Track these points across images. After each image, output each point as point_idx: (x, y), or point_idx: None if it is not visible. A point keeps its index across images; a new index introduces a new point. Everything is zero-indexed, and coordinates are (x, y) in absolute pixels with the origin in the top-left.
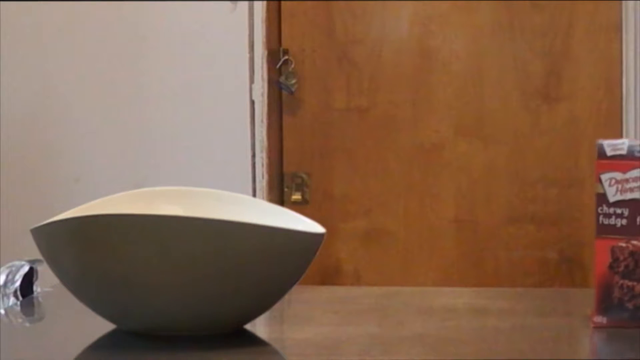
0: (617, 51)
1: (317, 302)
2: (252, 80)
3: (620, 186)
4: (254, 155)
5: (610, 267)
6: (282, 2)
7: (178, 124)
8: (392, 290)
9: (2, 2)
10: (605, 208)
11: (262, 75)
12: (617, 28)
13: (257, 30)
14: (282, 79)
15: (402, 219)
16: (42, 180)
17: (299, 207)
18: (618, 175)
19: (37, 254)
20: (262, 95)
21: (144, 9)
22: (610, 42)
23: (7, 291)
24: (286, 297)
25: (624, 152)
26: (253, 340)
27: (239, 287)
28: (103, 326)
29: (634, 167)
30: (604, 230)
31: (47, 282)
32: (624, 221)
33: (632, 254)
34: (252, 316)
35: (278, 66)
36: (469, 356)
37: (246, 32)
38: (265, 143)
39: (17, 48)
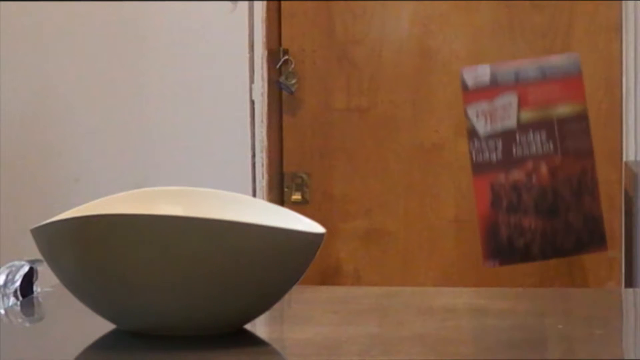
0: (617, 51)
1: (317, 302)
2: (252, 80)
3: (489, 117)
4: (254, 155)
5: (493, 205)
6: (282, 2)
7: (178, 124)
8: (392, 290)
9: (2, 2)
10: (477, 143)
11: (262, 75)
12: (617, 28)
13: (257, 30)
14: (282, 79)
15: (402, 219)
16: (42, 180)
17: (299, 207)
18: (485, 106)
19: (37, 254)
20: (262, 95)
21: (144, 9)
22: (610, 42)
23: (7, 291)
24: (286, 297)
25: (487, 79)
26: (253, 340)
27: (239, 287)
28: (103, 326)
29: (500, 94)
30: (479, 168)
31: (47, 282)
32: (499, 154)
33: (513, 187)
34: (252, 316)
35: (278, 66)
36: (469, 356)
37: (246, 32)
38: (265, 143)
39: (17, 48)
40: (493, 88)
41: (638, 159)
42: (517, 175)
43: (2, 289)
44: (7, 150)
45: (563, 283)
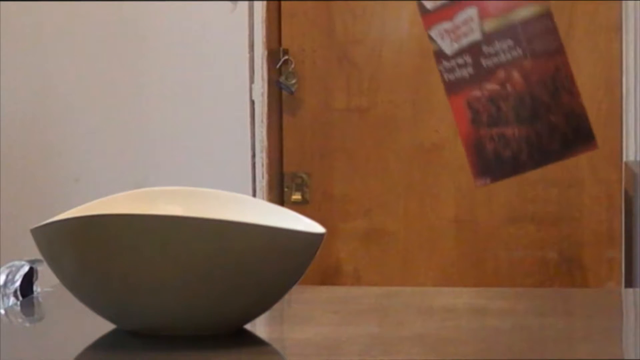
0: (617, 51)
1: (317, 302)
2: (252, 80)
3: (452, 35)
4: (254, 155)
5: (473, 122)
6: (282, 2)
7: (178, 124)
8: (392, 290)
9: (2, 2)
10: (446, 63)
11: (262, 75)
12: (617, 28)
13: (257, 30)
14: (282, 79)
15: (402, 219)
16: (42, 180)
17: (299, 207)
18: (447, 25)
19: (37, 254)
20: (262, 95)
21: (144, 9)
22: (610, 42)
23: (7, 291)
24: (286, 297)
25: (433, 3)
26: (253, 340)
27: (239, 287)
28: (103, 326)
29: (460, 10)
30: (453, 87)
31: (47, 282)
32: (470, 69)
33: (490, 100)
34: (252, 316)
35: (278, 66)
36: (469, 356)
37: (246, 32)
38: (265, 143)
39: (17, 48)
40: (451, 6)
41: (638, 159)
42: (491, 86)
43: (2, 289)
44: (7, 150)
45: (563, 283)
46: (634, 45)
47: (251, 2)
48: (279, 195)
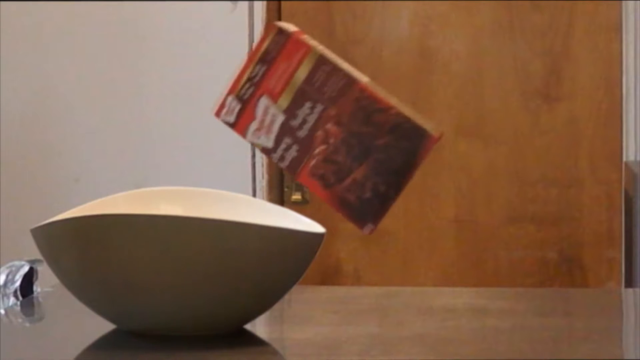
0: (617, 51)
1: (317, 302)
2: None
3: (263, 129)
4: (253, 155)
5: (326, 186)
6: (282, 2)
7: (178, 124)
8: (392, 290)
9: (2, 2)
10: (274, 155)
11: None
12: (617, 28)
13: (257, 30)
14: None
15: (402, 219)
16: (42, 180)
17: (299, 207)
18: (254, 125)
19: (37, 254)
20: None
21: (144, 9)
22: (610, 42)
23: (7, 291)
24: (286, 297)
25: (235, 105)
26: (253, 340)
27: (239, 287)
28: (103, 326)
29: (255, 106)
30: (293, 170)
31: (47, 282)
32: (295, 147)
33: (325, 161)
34: (252, 316)
35: None
36: (469, 356)
37: (246, 32)
38: None
39: (17, 48)
40: (246, 108)
41: (638, 159)
42: (319, 149)
43: (2, 289)
44: (7, 150)
45: (563, 283)
46: (634, 45)
47: (251, 2)
48: (279, 195)
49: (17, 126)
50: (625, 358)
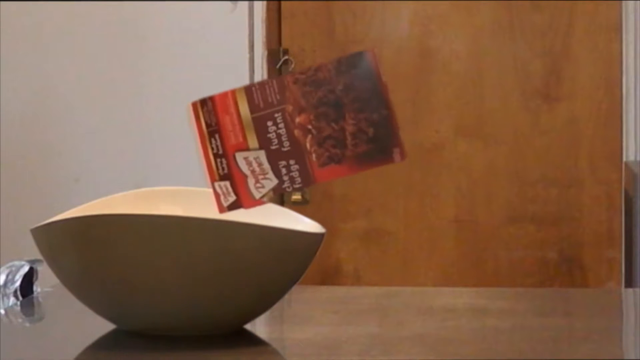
0: (617, 51)
1: (317, 302)
2: (252, 81)
3: (261, 175)
4: None
5: (339, 160)
6: (282, 2)
7: (178, 124)
8: (392, 290)
9: (2, 2)
10: (284, 186)
11: (262, 75)
12: (617, 28)
13: (257, 30)
14: None
15: (402, 219)
16: (42, 180)
17: (299, 207)
18: (251, 181)
19: (37, 254)
20: None
21: (144, 9)
22: (610, 42)
23: (7, 291)
24: (286, 297)
25: (231, 194)
26: (253, 340)
27: (239, 287)
28: (103, 326)
29: (245, 180)
30: (307, 178)
31: (47, 282)
32: (294, 162)
33: (320, 144)
34: (252, 316)
35: (278, 66)
36: (469, 356)
37: (246, 32)
38: None
39: (17, 48)
40: (233, 178)
41: (638, 159)
42: (309, 142)
43: (2, 289)
44: (7, 150)
45: (563, 283)
46: (634, 45)
47: (251, 2)
48: (279, 195)
49: (17, 126)
50: (625, 358)
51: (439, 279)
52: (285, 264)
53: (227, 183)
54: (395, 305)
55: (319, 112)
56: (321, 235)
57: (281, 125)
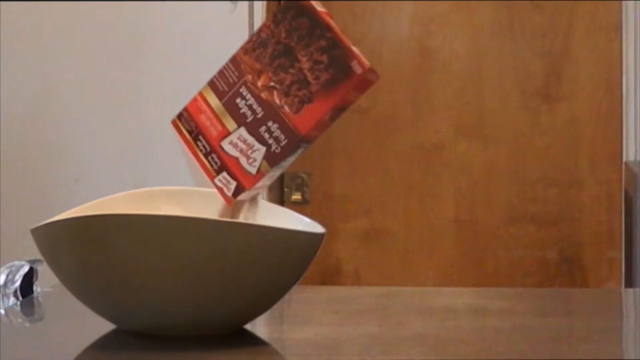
0: (617, 51)
1: (317, 302)
2: None
3: (250, 151)
4: None
5: (311, 98)
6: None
7: None
8: (392, 290)
9: (2, 2)
10: (272, 150)
11: None
12: (617, 28)
13: None
14: None
15: (402, 219)
16: (42, 180)
17: (299, 207)
18: (243, 161)
19: (37, 254)
20: None
21: (144, 9)
22: (610, 42)
23: (7, 291)
24: (286, 297)
25: (232, 182)
26: (253, 340)
27: (239, 287)
28: (103, 326)
29: (238, 161)
30: (290, 132)
31: (47, 282)
32: (272, 123)
33: (287, 94)
34: (252, 316)
35: None
36: (469, 356)
37: (246, 32)
38: None
39: (17, 48)
40: (227, 166)
41: (638, 159)
42: (278, 98)
43: (2, 289)
44: (7, 150)
45: (563, 283)
46: (634, 45)
47: (251, 2)
48: (279, 195)
49: (17, 126)
50: (625, 358)
51: (439, 279)
52: (285, 264)
53: (224, 173)
54: (395, 305)
55: (275, 66)
56: (321, 235)
57: (248, 96)
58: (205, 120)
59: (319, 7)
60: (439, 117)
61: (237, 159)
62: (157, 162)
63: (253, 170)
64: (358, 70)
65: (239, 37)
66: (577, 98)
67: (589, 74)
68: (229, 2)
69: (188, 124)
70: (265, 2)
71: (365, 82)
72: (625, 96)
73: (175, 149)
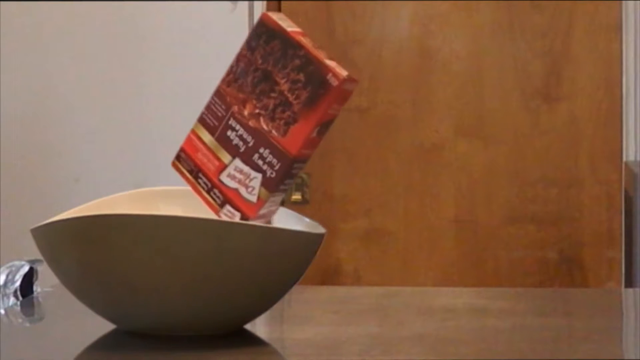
0: (617, 51)
1: (317, 302)
2: None
3: (248, 180)
4: None
5: (295, 119)
6: (282, 2)
7: (178, 124)
8: (392, 290)
9: (2, 2)
10: (268, 175)
11: None
12: (617, 28)
13: None
14: None
15: (402, 219)
16: (42, 180)
17: (299, 207)
18: (243, 191)
19: (37, 254)
20: None
21: (144, 9)
22: (610, 42)
23: (7, 291)
24: (286, 297)
25: (236, 214)
26: (253, 340)
27: (239, 287)
28: (103, 326)
29: (236, 192)
30: (283, 157)
31: (47, 282)
32: (264, 149)
33: (273, 118)
34: (252, 316)
35: None
36: (469, 356)
37: (246, 32)
38: None
39: (17, 48)
40: (227, 197)
41: (638, 159)
42: (265, 124)
43: (2, 289)
44: (7, 150)
45: (563, 283)
46: (634, 45)
47: (251, 2)
48: None
49: (17, 126)
50: (625, 358)
51: (439, 279)
52: (285, 264)
53: (227, 206)
54: (395, 305)
55: (257, 93)
56: (321, 235)
57: (237, 126)
58: (202, 157)
59: (290, 27)
60: (439, 117)
61: (237, 190)
62: (157, 162)
63: (254, 199)
64: (334, 82)
65: (239, 37)
66: (577, 98)
67: (589, 74)
68: (229, 2)
69: (187, 163)
70: (265, 2)
71: (344, 93)
72: (625, 96)
73: (175, 149)
